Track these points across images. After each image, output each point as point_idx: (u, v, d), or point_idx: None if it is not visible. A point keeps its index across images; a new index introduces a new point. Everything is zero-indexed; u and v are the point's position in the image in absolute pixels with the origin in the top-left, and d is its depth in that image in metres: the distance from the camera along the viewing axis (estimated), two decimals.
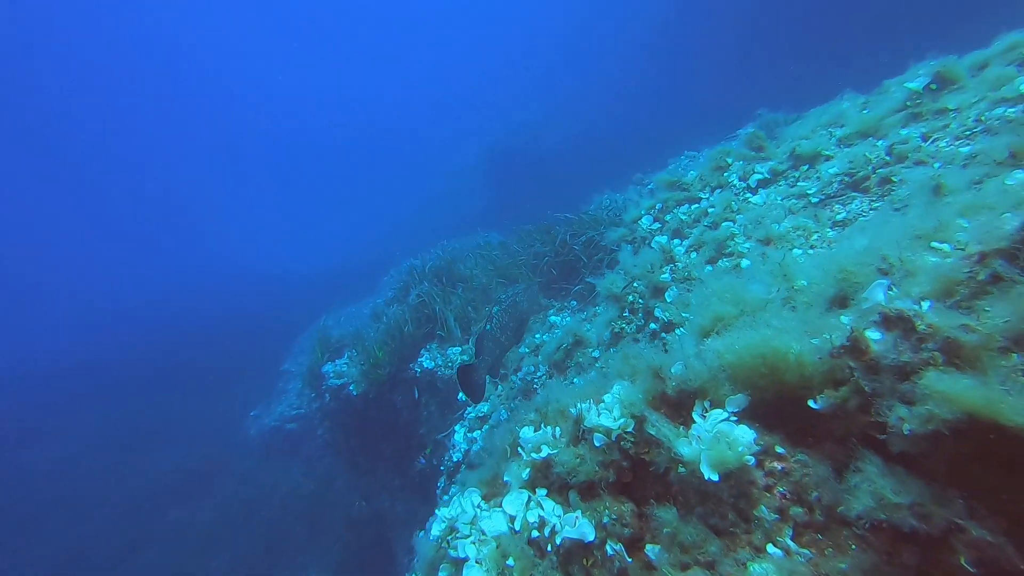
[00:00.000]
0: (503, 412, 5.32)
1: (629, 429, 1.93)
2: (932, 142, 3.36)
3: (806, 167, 4.19)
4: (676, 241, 4.62)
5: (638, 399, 1.95)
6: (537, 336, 6.24)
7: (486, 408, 5.63)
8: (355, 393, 7.89)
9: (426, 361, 6.92)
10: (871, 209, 3.32)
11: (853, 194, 3.51)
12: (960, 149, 3.06)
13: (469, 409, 5.90)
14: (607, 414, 2.00)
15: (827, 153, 4.08)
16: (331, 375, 8.61)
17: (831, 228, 3.42)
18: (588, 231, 7.24)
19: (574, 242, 7.36)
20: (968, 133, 3.18)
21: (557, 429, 2.19)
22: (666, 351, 2.81)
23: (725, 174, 4.75)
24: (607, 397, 2.10)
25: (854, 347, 1.46)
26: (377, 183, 43.94)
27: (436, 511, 2.24)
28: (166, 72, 53.81)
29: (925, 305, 1.32)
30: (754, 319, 1.85)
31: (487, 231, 10.88)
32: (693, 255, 4.16)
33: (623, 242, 5.52)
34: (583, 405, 2.11)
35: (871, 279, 1.75)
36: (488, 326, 3.67)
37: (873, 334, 1.40)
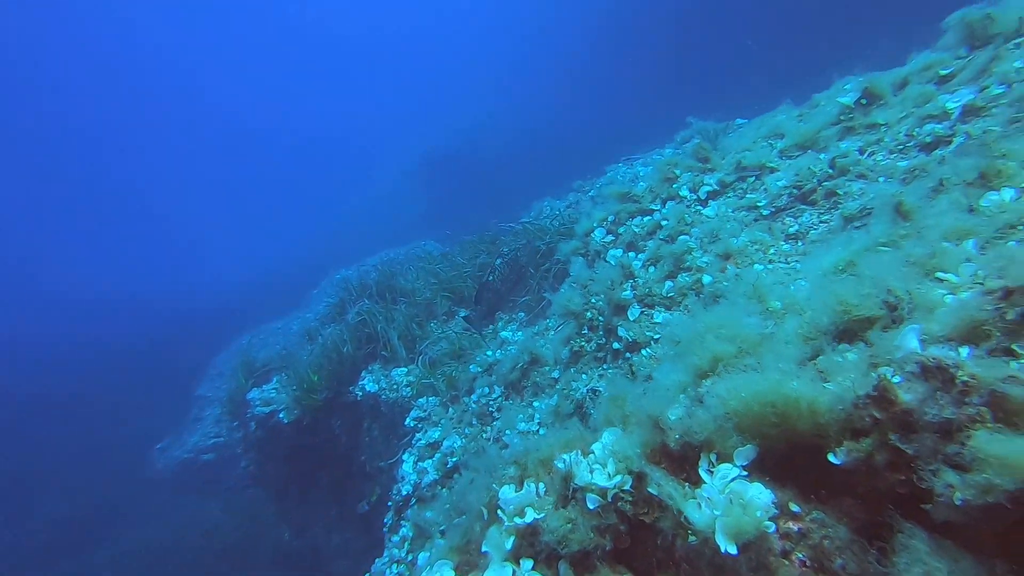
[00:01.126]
0: (456, 439, 4.98)
1: (627, 487, 1.71)
2: (869, 155, 3.49)
3: (753, 178, 4.26)
4: (632, 255, 4.53)
5: (634, 452, 1.74)
6: (489, 353, 5.95)
7: (437, 434, 5.25)
8: (286, 421, 7.16)
9: (368, 383, 6.40)
10: (821, 222, 3.38)
11: (802, 207, 3.57)
12: (898, 163, 3.18)
13: (418, 435, 5.49)
14: (600, 470, 1.77)
15: (771, 165, 4.17)
16: (257, 402, 7.77)
17: (785, 241, 3.45)
18: (534, 241, 7.08)
19: (520, 253, 7.16)
20: (901, 148, 3.32)
21: (541, 485, 1.93)
22: (650, 378, 2.63)
23: (674, 186, 4.75)
24: (597, 447, 1.87)
25: (881, 397, 1.32)
26: (304, 190, 41.23)
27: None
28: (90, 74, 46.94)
29: (964, 352, 1.20)
30: (758, 359, 1.70)
31: (426, 239, 10.43)
32: (651, 270, 4.08)
33: (576, 254, 5.38)
34: (570, 457, 1.87)
35: (874, 312, 1.66)
36: (491, 277, 4.17)
37: (905, 385, 1.27)
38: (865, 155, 3.52)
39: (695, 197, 4.52)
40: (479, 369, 5.77)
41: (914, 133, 3.19)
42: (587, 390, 3.99)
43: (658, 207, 4.79)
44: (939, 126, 3.04)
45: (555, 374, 4.68)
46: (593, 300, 4.49)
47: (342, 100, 51.63)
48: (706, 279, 3.44)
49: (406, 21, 48.85)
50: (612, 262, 4.70)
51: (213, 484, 11.99)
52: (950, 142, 2.95)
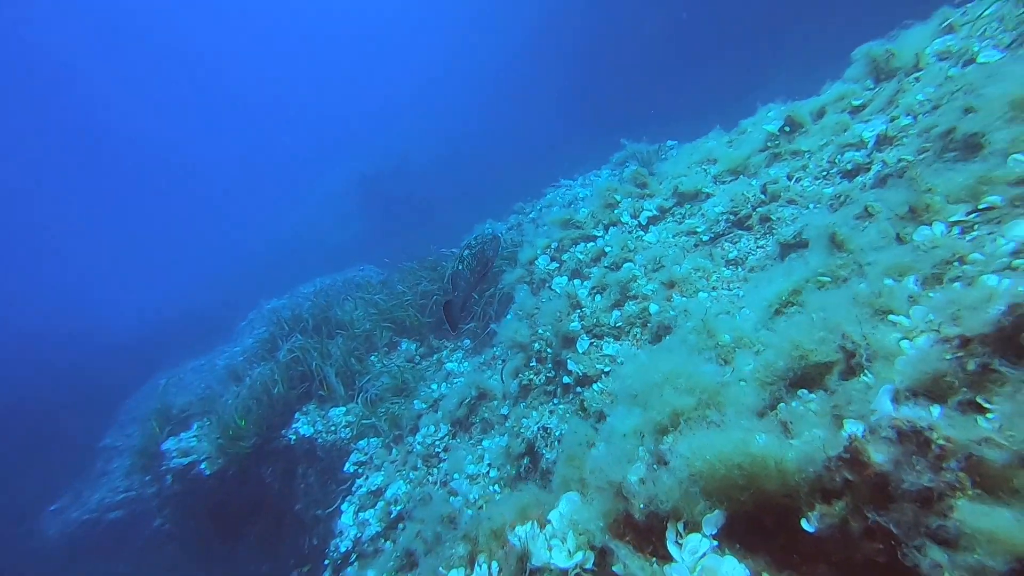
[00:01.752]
0: (400, 484, 4.62)
1: (588, 566, 1.53)
2: (797, 181, 3.63)
3: (690, 204, 4.34)
4: (577, 282, 4.45)
5: (596, 525, 1.56)
6: (434, 387, 5.65)
7: (379, 479, 4.86)
8: (208, 472, 6.42)
9: (303, 426, 5.87)
10: (758, 247, 3.45)
11: (739, 232, 3.65)
12: (824, 190, 3.32)
13: (359, 481, 5.06)
14: (559, 546, 1.58)
15: (707, 191, 4.26)
16: (174, 453, 6.94)
17: (726, 267, 3.49)
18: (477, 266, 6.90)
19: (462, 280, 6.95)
20: (824, 174, 3.48)
21: (494, 565, 1.70)
22: (602, 417, 2.50)
23: (616, 211, 4.75)
24: (555, 517, 1.68)
25: (853, 460, 1.23)
26: (225, 215, 38.26)
27: None
28: None
29: (935, 412, 1.13)
30: (719, 412, 1.59)
31: (364, 264, 9.94)
32: (598, 298, 4.01)
33: (521, 283, 5.24)
34: (526, 532, 1.66)
35: (831, 357, 1.60)
36: (460, 266, 4.28)
37: (877, 447, 1.18)
38: (793, 181, 3.66)
39: (636, 223, 4.54)
40: (424, 405, 5.45)
41: (836, 160, 3.35)
42: (538, 428, 3.82)
43: (601, 233, 4.77)
44: (857, 154, 3.20)
45: (504, 410, 4.47)
46: (541, 331, 4.35)
47: (268, 121, 49.24)
48: (653, 308, 3.40)
49: (333, 39, 47.97)
50: (558, 290, 4.60)
51: (122, 545, 10.56)
52: (869, 169, 3.11)
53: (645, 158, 9.30)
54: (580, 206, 5.32)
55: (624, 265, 4.02)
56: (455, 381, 5.71)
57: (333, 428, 5.70)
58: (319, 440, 5.66)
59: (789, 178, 3.67)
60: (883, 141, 3.09)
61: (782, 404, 1.65)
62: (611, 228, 4.75)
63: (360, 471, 5.17)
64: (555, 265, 4.96)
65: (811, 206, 3.24)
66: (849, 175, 3.22)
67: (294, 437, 5.86)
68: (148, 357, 12.76)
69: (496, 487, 3.93)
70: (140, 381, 11.62)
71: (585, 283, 4.44)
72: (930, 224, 1.83)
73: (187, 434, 6.86)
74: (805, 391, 1.63)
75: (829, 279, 2.22)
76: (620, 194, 4.91)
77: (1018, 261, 1.43)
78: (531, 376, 4.33)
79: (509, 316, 6.28)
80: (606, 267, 4.21)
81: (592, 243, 4.76)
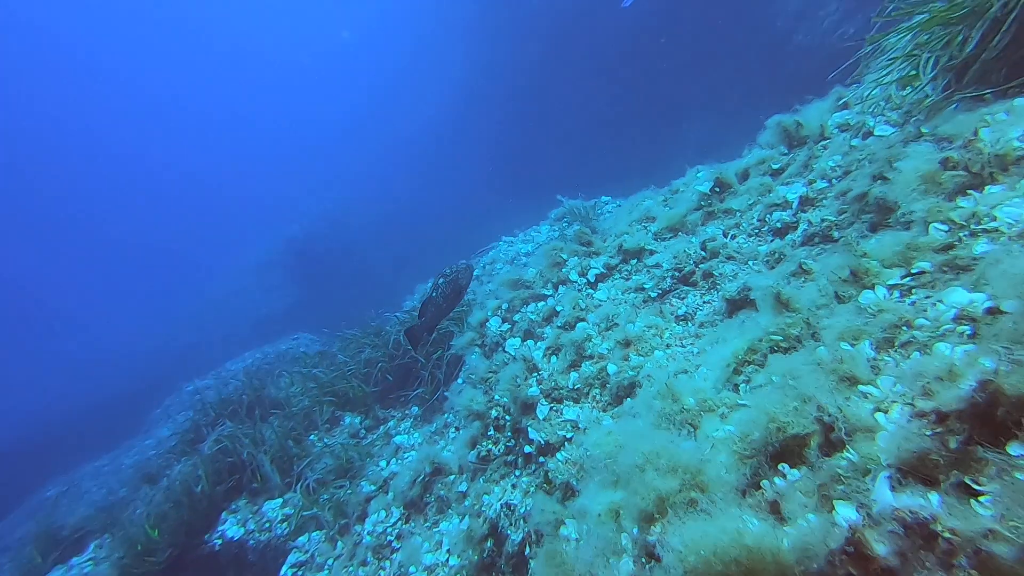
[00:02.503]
0: None
1: None
2: (732, 239, 3.83)
3: (635, 261, 4.45)
4: (531, 344, 4.36)
5: None
6: (382, 464, 5.21)
7: None
8: None
9: (231, 527, 5.15)
10: (704, 302, 3.54)
11: (685, 288, 3.75)
12: (759, 247, 3.51)
13: None
14: None
15: (650, 248, 4.40)
16: None
17: (676, 323, 3.54)
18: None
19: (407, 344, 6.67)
20: (756, 232, 3.70)
21: None
22: (570, 490, 2.34)
23: (563, 270, 4.79)
24: None
25: (857, 554, 1.16)
26: (136, 289, 34.62)
27: None
28: None
29: (934, 500, 1.09)
30: (706, 494, 1.49)
31: (299, 334, 9.30)
32: (554, 360, 3.92)
33: (472, 346, 5.07)
34: None
35: (808, 428, 1.57)
36: (435, 293, 4.36)
37: (880, 540, 1.12)
38: (729, 238, 3.86)
39: (585, 280, 4.58)
40: (373, 487, 4.99)
41: (766, 219, 3.58)
42: (501, 505, 3.55)
43: (550, 292, 4.76)
44: (784, 214, 3.44)
45: (462, 486, 4.16)
46: (498, 397, 4.16)
47: (184, 187, 46.69)
48: (611, 368, 3.34)
49: (240, 101, 47.33)
50: (512, 352, 4.48)
51: None
52: (796, 227, 3.33)
53: (583, 214, 9.65)
54: (527, 265, 5.32)
55: (578, 325, 3.99)
56: (406, 456, 5.31)
57: (267, 525, 5.04)
58: (250, 542, 4.97)
59: (725, 235, 3.86)
60: (805, 202, 3.35)
61: (765, 481, 1.58)
62: (560, 287, 4.76)
63: (299, 574, 4.56)
64: (507, 327, 4.86)
65: (750, 263, 3.41)
66: (779, 233, 3.43)
67: (220, 542, 5.12)
68: (35, 464, 10.84)
69: None
70: (19, 496, 9.72)
71: (539, 344, 4.35)
72: (872, 288, 1.93)
73: (80, 559, 5.74)
74: (786, 465, 1.58)
75: (781, 338, 2.26)
76: (566, 252, 4.97)
77: (962, 327, 1.49)
78: (489, 446, 4.09)
79: (460, 380, 6.04)
80: (559, 327, 4.16)
81: (543, 303, 4.73)
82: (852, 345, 1.77)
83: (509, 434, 3.98)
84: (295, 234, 22.72)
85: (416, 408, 6.33)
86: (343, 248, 21.85)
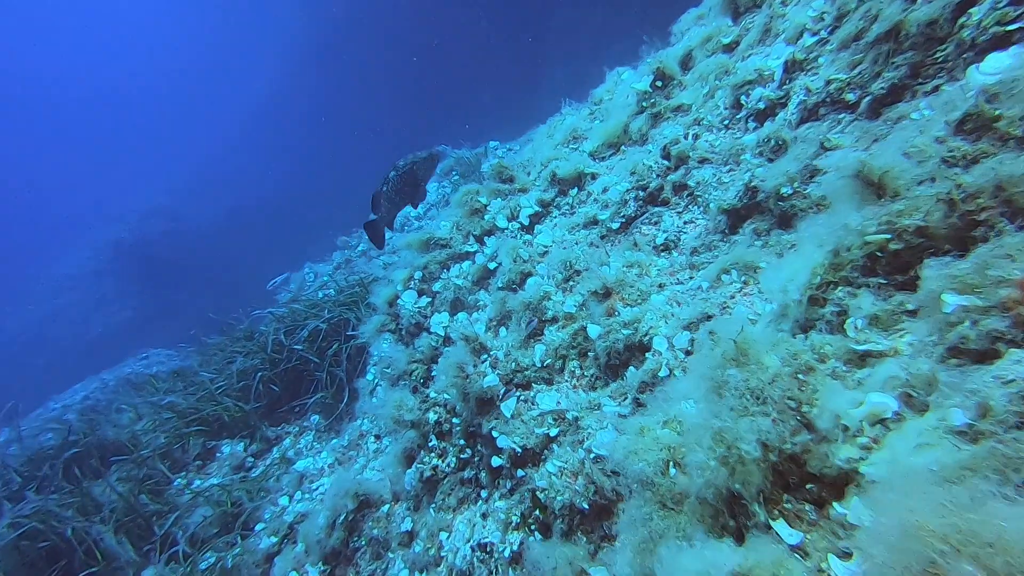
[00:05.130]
0: None
1: None
2: (696, 138, 3.02)
3: (575, 191, 3.51)
4: (463, 317, 3.29)
5: None
6: (283, 501, 3.98)
7: None
8: None
9: None
10: (687, 223, 2.72)
11: (656, 209, 2.89)
12: (744, 138, 2.72)
13: None
14: None
15: (590, 171, 3.48)
16: None
17: (658, 256, 2.69)
18: (311, 322, 5.30)
19: (293, 342, 5.28)
20: (728, 123, 2.92)
21: None
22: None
23: (487, 217, 3.72)
24: None
25: None
26: None
27: None
28: None
29: None
30: None
31: (149, 350, 7.21)
32: (504, 334, 2.90)
33: (383, 332, 3.88)
34: None
35: None
36: (385, 188, 4.00)
37: None
38: (690, 139, 3.04)
39: (518, 225, 3.56)
40: (274, 539, 3.72)
41: (741, 103, 2.79)
42: (472, 547, 2.55)
43: (475, 248, 3.68)
44: (765, 90, 2.66)
45: (405, 523, 3.07)
46: (434, 395, 3.08)
47: None
48: (592, 330, 2.40)
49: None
50: (440, 331, 3.38)
51: None
52: (785, 104, 2.58)
53: (472, 163, 8.56)
54: (438, 220, 4.16)
55: (527, 281, 2.99)
56: (315, 487, 4.10)
57: None
58: None
59: (686, 136, 3.04)
60: (792, 67, 2.58)
61: None
62: (486, 238, 3.70)
63: None
64: (426, 300, 3.71)
65: (735, 161, 2.61)
66: (762, 116, 2.66)
67: None
68: None
69: None
70: None
71: (477, 316, 3.31)
72: None
73: None
74: None
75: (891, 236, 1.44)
76: (485, 195, 3.89)
77: None
78: (435, 461, 3.02)
79: (370, 376, 4.86)
80: (501, 289, 3.13)
81: (468, 262, 3.65)
82: None
83: (461, 442, 2.93)
84: (122, 235, 18.48)
85: (317, 417, 5.06)
86: (189, 245, 18.37)
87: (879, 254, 1.45)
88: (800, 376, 1.30)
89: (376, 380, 4.78)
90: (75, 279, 17.34)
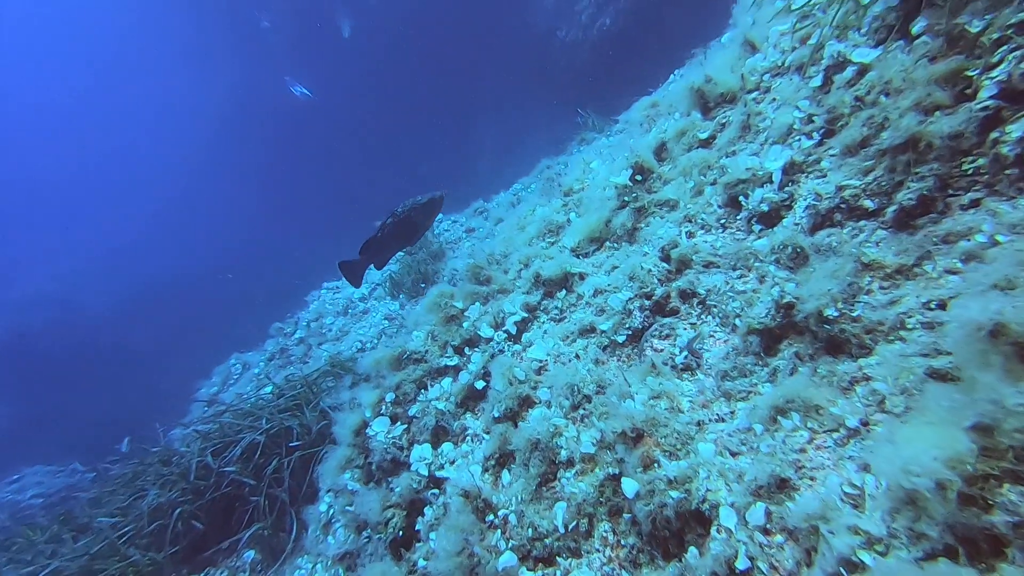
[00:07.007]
0: None
1: None
2: (690, 237, 2.84)
3: (563, 292, 3.20)
4: (448, 448, 2.77)
5: None
6: None
7: None
8: None
9: None
10: (711, 335, 2.45)
11: (666, 320, 2.61)
12: (751, 243, 2.54)
13: None
14: None
15: (577, 270, 3.20)
16: None
17: (679, 378, 2.37)
18: (246, 435, 4.53)
19: (223, 463, 4.46)
20: (725, 223, 2.77)
21: None
22: None
23: (465, 325, 3.30)
24: None
25: None
26: None
27: None
28: None
29: None
30: None
31: (19, 471, 5.83)
32: (508, 478, 2.40)
33: (349, 469, 3.25)
34: None
35: None
36: (379, 235, 3.90)
37: None
38: (684, 236, 2.85)
39: (504, 334, 3.16)
40: None
41: (740, 203, 2.64)
42: None
43: (456, 362, 3.22)
44: (766, 191, 2.53)
45: None
46: (423, 564, 2.48)
47: None
48: (629, 488, 1.99)
49: None
50: (422, 471, 2.84)
51: None
52: (790, 207, 2.45)
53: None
54: (405, 327, 3.67)
55: (529, 414, 2.55)
56: None
57: None
58: None
59: (686, 235, 2.85)
60: (791, 169, 2.48)
61: None
62: (467, 350, 3.26)
63: None
64: (402, 428, 3.16)
65: (742, 267, 2.41)
66: (769, 218, 2.51)
67: None
68: None
69: None
70: None
71: (467, 449, 2.80)
72: None
73: None
74: None
75: None
76: (460, 299, 3.49)
77: None
78: None
79: (323, 507, 4.09)
80: (498, 420, 2.67)
81: (449, 379, 3.18)
82: None
83: None
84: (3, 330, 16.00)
85: (251, 553, 4.20)
86: (80, 337, 16.17)
87: None
88: None
89: (333, 515, 4.03)
90: None
